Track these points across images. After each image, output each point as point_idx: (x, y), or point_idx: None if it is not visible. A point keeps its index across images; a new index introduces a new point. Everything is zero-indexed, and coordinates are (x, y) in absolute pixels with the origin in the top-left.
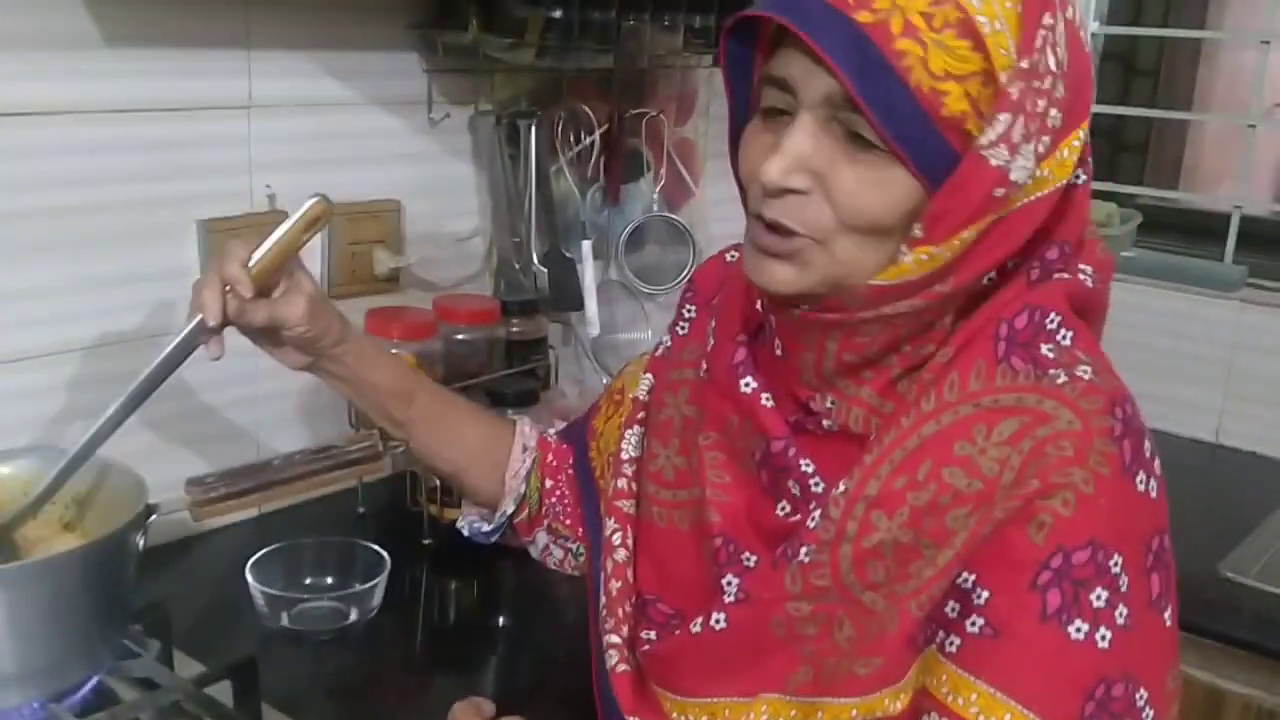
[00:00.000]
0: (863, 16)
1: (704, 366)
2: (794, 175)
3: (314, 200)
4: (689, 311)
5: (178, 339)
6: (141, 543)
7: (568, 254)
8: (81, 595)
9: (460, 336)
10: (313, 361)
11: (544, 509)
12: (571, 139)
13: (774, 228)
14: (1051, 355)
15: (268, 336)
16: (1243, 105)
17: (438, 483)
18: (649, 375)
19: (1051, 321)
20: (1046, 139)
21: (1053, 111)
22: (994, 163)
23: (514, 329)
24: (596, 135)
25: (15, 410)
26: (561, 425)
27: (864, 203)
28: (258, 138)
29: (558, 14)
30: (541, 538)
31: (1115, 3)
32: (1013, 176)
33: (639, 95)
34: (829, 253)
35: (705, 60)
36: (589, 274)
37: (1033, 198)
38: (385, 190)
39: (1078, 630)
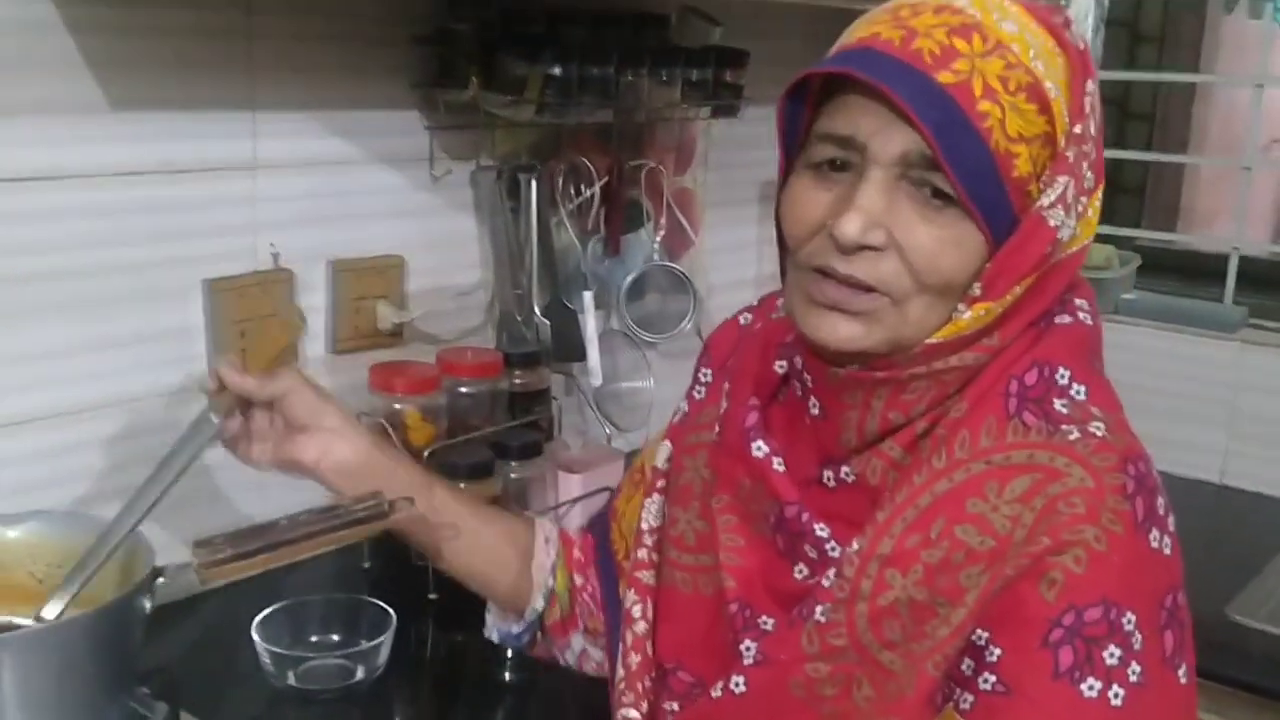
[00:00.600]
0: (944, 77)
1: (717, 429)
2: (871, 232)
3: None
4: (705, 376)
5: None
6: (149, 606)
7: (569, 305)
8: (89, 660)
9: (464, 389)
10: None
11: (576, 608)
12: (572, 191)
13: (849, 284)
14: (1065, 411)
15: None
16: (1239, 142)
17: None
18: (667, 443)
19: (1062, 376)
20: (1084, 199)
21: (1089, 173)
22: (1052, 223)
23: (517, 381)
24: (597, 187)
25: (22, 473)
26: (567, 475)
27: (942, 262)
28: (263, 197)
29: (557, 71)
30: (577, 641)
31: (1109, 47)
32: (1060, 235)
33: (638, 147)
34: (901, 313)
35: (703, 112)
36: (591, 324)
37: (1067, 254)
38: (389, 246)
39: (1090, 688)
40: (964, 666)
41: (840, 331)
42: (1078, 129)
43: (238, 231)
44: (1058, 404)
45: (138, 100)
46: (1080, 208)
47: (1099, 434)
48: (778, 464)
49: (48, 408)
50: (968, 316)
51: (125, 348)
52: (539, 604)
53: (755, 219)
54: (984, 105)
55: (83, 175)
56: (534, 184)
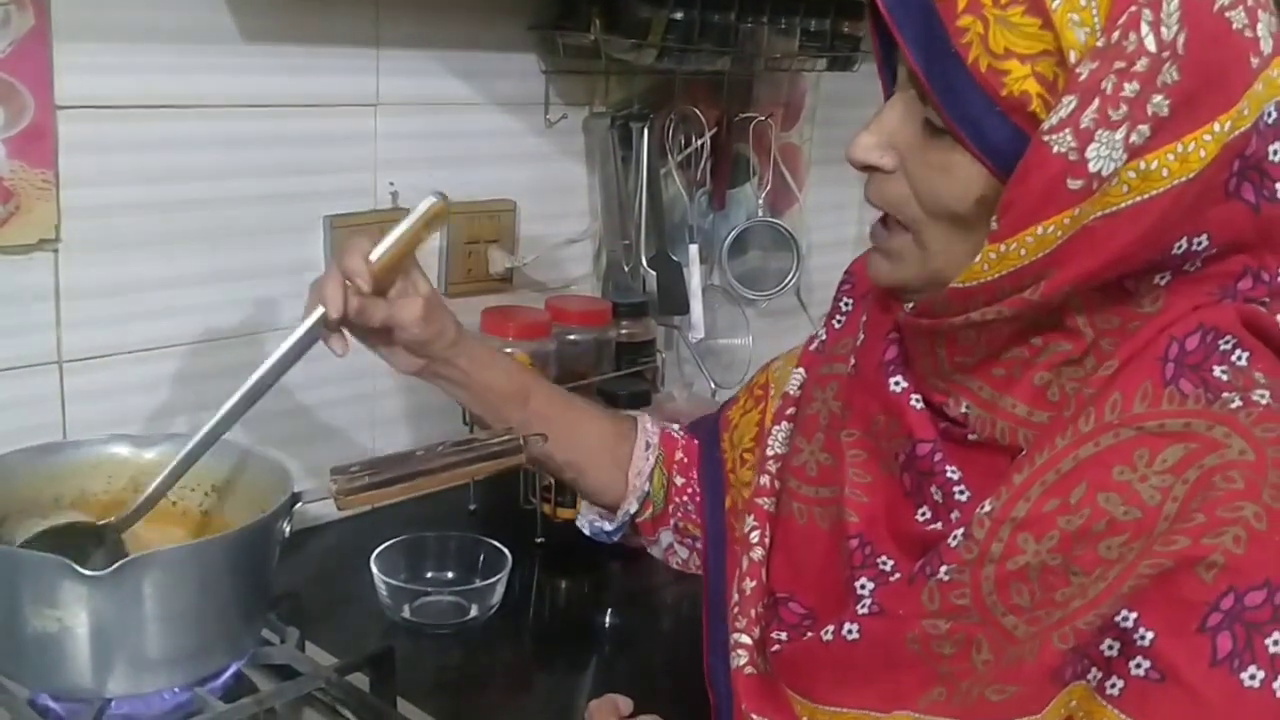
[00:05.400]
0: None
1: (852, 362)
2: (877, 152)
3: (432, 199)
4: (845, 305)
5: (297, 333)
6: (287, 530)
7: (674, 257)
8: (229, 581)
9: (572, 337)
10: (424, 365)
11: (670, 507)
12: (681, 142)
13: (884, 223)
14: (1225, 378)
15: (381, 338)
16: None
17: (551, 482)
18: (801, 370)
19: (1226, 342)
20: (1144, 128)
21: (1155, 98)
22: (1055, 150)
23: (624, 331)
24: (706, 138)
25: (152, 399)
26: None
27: (934, 187)
28: (383, 135)
29: (679, 15)
30: (665, 537)
31: None
32: (1092, 168)
33: (748, 99)
34: (923, 246)
35: (820, 64)
36: (695, 278)
37: (1143, 197)
38: (501, 190)
39: (1251, 678)
40: (1106, 647)
41: (877, 268)
42: (1101, 43)
43: (358, 169)
44: (1217, 370)
45: (269, 32)
46: (1136, 138)
47: (1263, 402)
48: (915, 400)
49: (174, 336)
50: (978, 258)
51: (247, 280)
52: (632, 507)
53: (858, 178)
54: (963, 20)
55: (213, 105)
56: (645, 133)
